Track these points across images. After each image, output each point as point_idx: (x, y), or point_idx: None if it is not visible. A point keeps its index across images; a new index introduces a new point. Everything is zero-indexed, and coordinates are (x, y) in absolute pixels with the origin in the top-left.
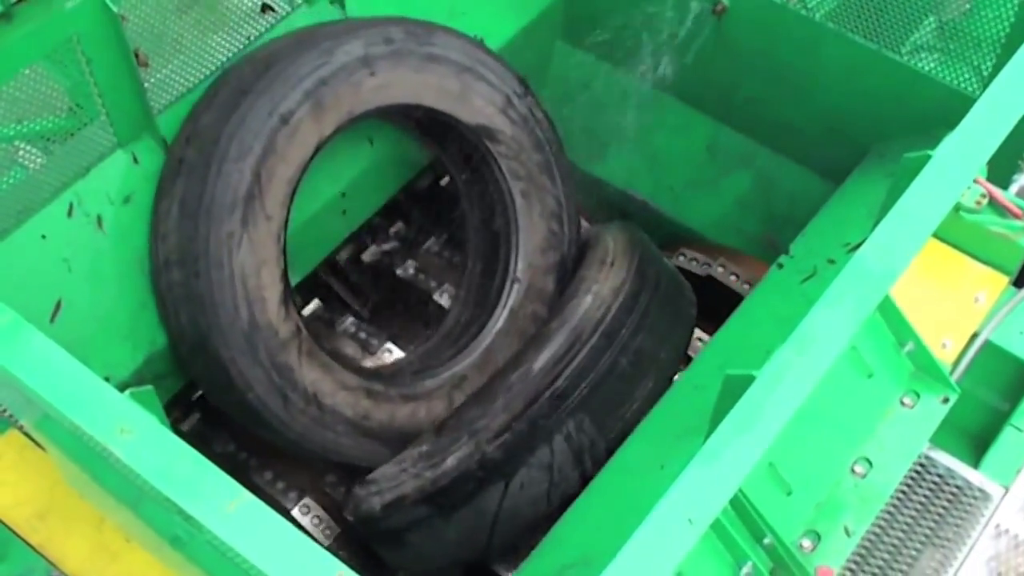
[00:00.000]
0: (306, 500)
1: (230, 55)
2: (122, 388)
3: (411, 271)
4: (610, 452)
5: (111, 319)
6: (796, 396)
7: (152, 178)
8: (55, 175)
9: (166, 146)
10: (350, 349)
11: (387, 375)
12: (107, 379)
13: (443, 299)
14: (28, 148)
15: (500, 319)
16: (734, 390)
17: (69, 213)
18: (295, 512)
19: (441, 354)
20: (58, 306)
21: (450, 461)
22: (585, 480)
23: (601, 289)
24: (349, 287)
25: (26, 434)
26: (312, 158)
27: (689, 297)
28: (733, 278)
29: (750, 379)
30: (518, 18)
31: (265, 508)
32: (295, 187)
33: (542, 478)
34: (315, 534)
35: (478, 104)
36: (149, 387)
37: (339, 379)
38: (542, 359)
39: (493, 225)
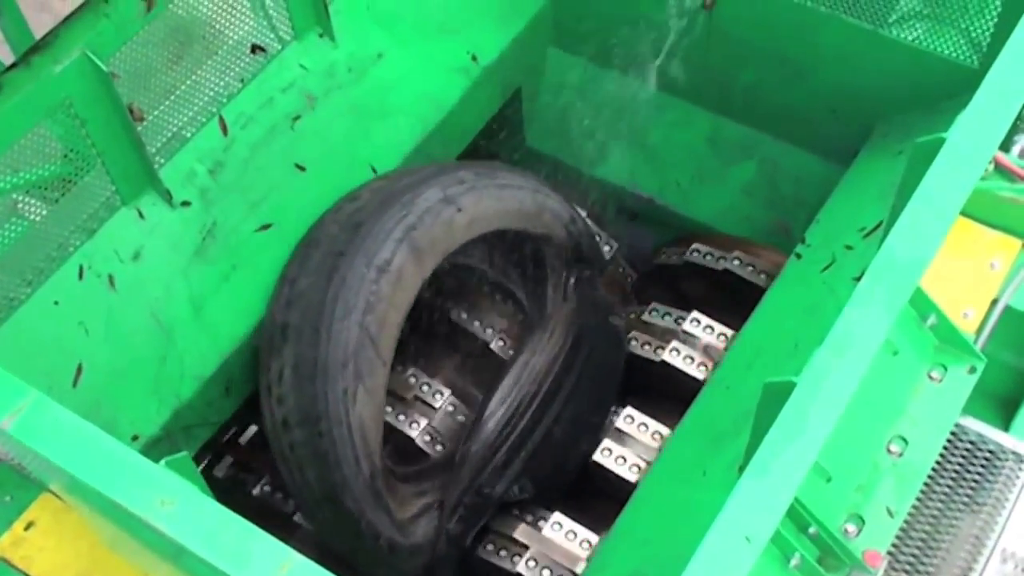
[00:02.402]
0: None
1: (225, 100)
2: (152, 445)
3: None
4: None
5: (133, 377)
6: (839, 400)
7: (159, 231)
8: (62, 238)
9: (170, 198)
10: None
11: None
12: (136, 437)
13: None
14: (34, 211)
15: None
16: (775, 398)
17: (80, 276)
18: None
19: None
20: (79, 370)
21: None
22: None
23: (537, 363)
24: None
25: (58, 496)
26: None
27: (620, 354)
28: None
29: (791, 386)
30: (508, 30)
31: (317, 568)
32: (400, 330)
33: None
34: None
35: (547, 219)
36: (185, 454)
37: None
38: (484, 434)
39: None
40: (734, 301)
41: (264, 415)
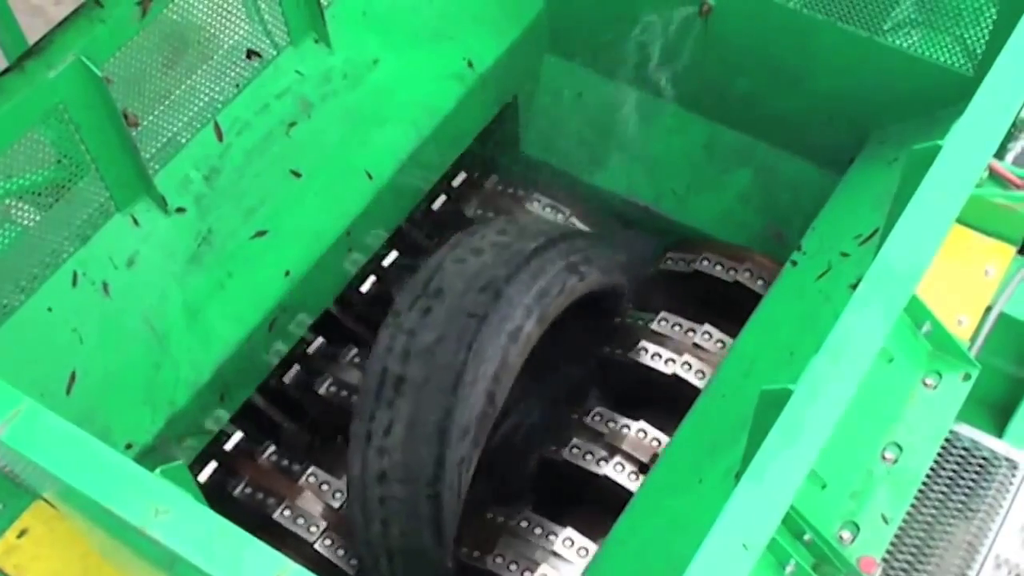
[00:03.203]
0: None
1: (220, 106)
2: (146, 453)
3: None
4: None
5: (127, 384)
6: (836, 408)
7: (153, 238)
8: (55, 244)
9: (165, 205)
10: None
11: None
12: (130, 446)
13: None
14: (27, 217)
15: None
16: (772, 406)
17: (74, 283)
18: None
19: None
20: (72, 377)
21: None
22: None
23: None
24: (361, 321)
25: (51, 504)
26: None
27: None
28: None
29: (787, 394)
30: (504, 37)
31: None
32: None
33: None
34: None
35: (615, 277)
36: (180, 463)
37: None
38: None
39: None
40: (727, 308)
41: (353, 461)
